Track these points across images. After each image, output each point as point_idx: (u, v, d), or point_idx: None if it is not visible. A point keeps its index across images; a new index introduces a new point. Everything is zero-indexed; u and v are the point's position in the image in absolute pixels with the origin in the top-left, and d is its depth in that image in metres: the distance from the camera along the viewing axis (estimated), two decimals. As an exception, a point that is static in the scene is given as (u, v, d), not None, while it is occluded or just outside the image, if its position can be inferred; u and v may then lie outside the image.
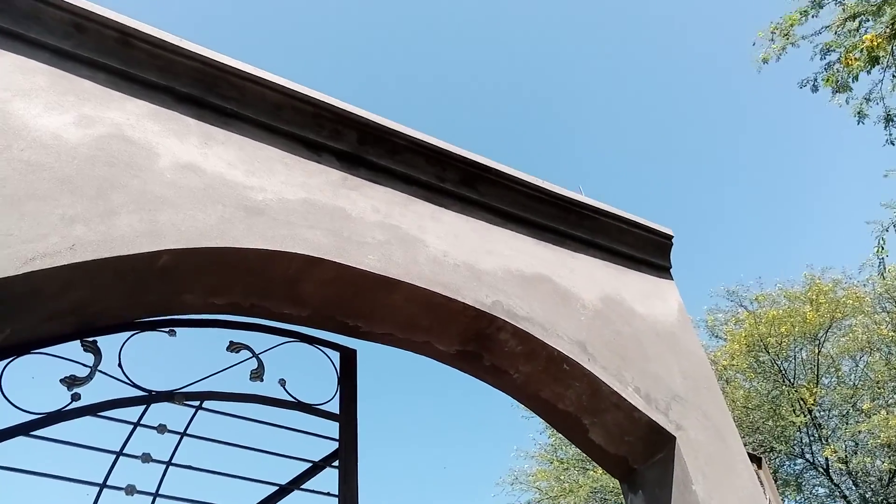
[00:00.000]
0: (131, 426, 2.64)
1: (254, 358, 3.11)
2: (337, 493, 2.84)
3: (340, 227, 3.20)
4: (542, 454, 15.36)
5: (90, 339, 2.72)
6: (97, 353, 2.70)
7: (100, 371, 2.68)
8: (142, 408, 2.70)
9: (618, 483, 3.90)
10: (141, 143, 2.91)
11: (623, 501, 4.08)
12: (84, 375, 2.64)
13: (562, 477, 14.38)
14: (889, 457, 11.64)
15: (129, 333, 2.84)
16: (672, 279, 4.50)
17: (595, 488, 13.27)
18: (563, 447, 15.16)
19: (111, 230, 2.56)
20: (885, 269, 6.99)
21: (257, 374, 3.05)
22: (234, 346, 3.13)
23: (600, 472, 13.19)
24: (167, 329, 2.93)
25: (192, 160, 2.99)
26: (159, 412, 2.79)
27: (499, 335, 3.48)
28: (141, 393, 2.73)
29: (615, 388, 3.46)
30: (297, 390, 3.22)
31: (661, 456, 3.44)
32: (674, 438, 3.39)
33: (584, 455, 13.56)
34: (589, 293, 3.92)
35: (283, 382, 3.08)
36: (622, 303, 4.01)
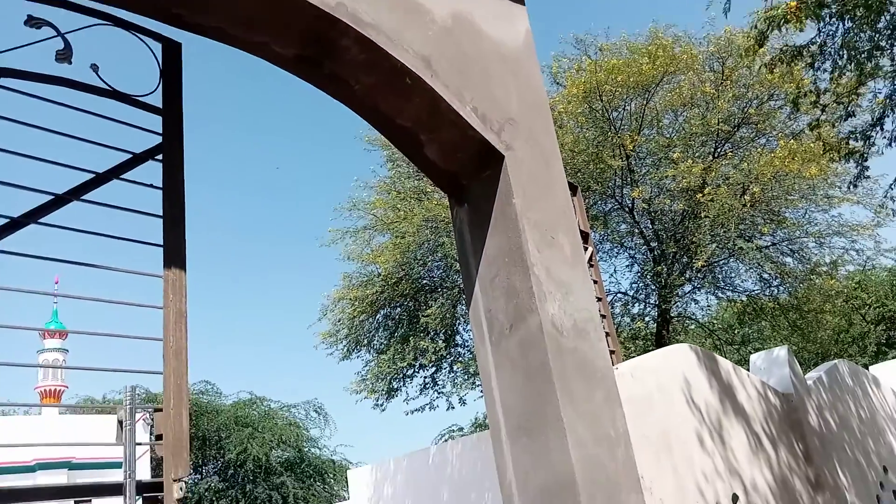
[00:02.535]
0: None
1: (59, 38, 2.75)
2: (161, 186, 2.75)
3: None
4: (382, 185, 15.88)
5: None
6: None
7: None
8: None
9: (449, 213, 4.12)
10: None
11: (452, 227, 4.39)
12: None
13: (398, 206, 15.09)
14: (685, 200, 13.27)
15: None
16: (524, 5, 4.40)
17: (428, 217, 14.12)
18: (402, 180, 15.73)
19: None
20: (729, 6, 7.12)
21: (64, 56, 2.72)
22: (33, 22, 2.73)
23: (434, 202, 13.97)
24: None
25: None
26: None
27: (341, 41, 3.31)
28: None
29: (454, 106, 3.50)
30: (117, 82, 2.94)
31: (488, 173, 3.63)
32: (503, 157, 3.56)
33: (420, 187, 14.12)
34: (440, 8, 3.75)
35: (95, 68, 2.78)
36: (472, 22, 3.91)
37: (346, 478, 24.34)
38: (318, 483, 30.04)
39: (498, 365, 3.76)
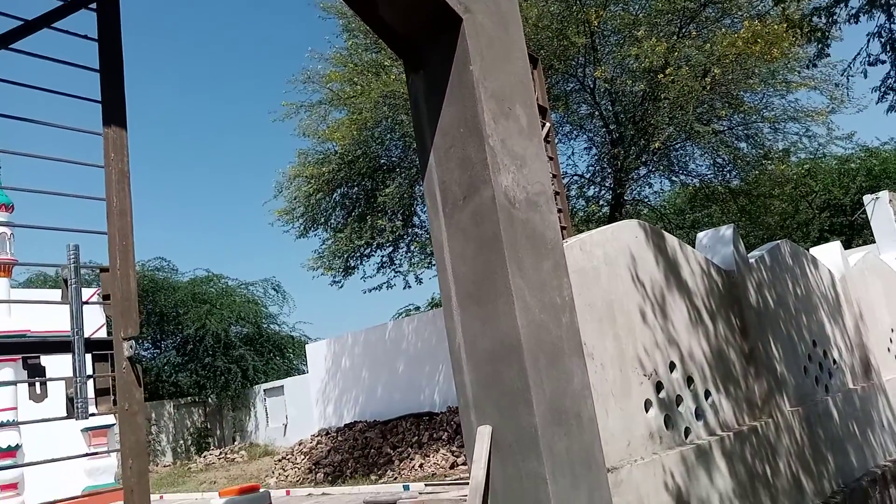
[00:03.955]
0: None
1: None
2: (97, 38, 2.58)
3: None
4: (338, 57, 15.25)
5: None
6: None
7: None
8: None
9: (406, 90, 3.98)
10: None
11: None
12: None
13: (355, 80, 14.59)
14: (646, 81, 13.15)
15: None
16: None
17: (386, 93, 13.74)
18: (359, 52, 15.13)
19: None
20: None
21: None
22: None
23: (392, 77, 13.55)
24: None
25: None
26: None
27: None
28: None
29: (410, -37, 3.31)
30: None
31: (446, 37, 3.50)
32: (460, 20, 3.42)
33: (378, 61, 13.60)
34: None
35: None
36: None
37: (305, 352, 25.07)
38: (278, 357, 30.84)
39: (451, 236, 3.80)
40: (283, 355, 31.23)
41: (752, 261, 6.59)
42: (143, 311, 27.24)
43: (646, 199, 17.93)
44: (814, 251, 9.11)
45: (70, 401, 2.37)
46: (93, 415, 2.39)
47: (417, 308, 27.84)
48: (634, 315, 4.44)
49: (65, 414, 2.38)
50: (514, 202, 3.65)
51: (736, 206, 16.76)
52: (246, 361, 28.20)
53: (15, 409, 17.84)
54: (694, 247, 6.22)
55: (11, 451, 18.73)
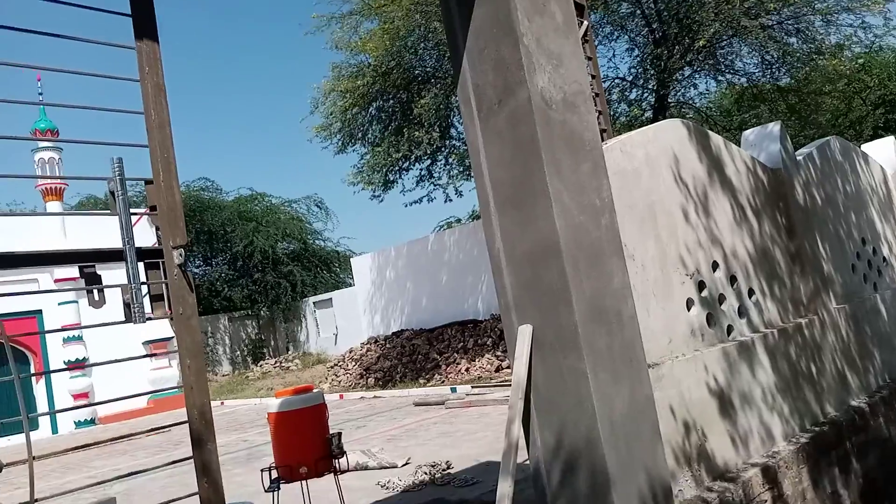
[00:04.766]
0: None
1: None
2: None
3: None
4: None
5: None
6: None
7: None
8: None
9: None
10: None
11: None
12: None
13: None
14: (691, -27, 12.49)
15: None
16: None
17: (418, 0, 13.35)
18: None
19: None
20: None
21: None
22: None
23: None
24: None
25: None
26: None
27: None
28: None
29: None
30: None
31: (476, -70, 3.36)
32: (491, -89, 3.26)
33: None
34: None
35: None
36: None
37: (351, 265, 25.60)
38: (325, 271, 31.59)
39: (487, 141, 3.76)
40: (329, 269, 31.97)
41: (800, 158, 6.39)
42: (192, 230, 28.01)
43: (690, 101, 17.32)
44: (865, 147, 8.77)
45: (127, 306, 2.50)
46: (149, 319, 2.52)
47: (458, 220, 27.97)
48: (676, 215, 4.39)
49: (122, 319, 2.51)
50: (551, 103, 3.58)
51: (785, 105, 16.09)
52: (294, 276, 28.99)
53: (80, 325, 18.86)
54: (740, 146, 6.05)
55: (80, 363, 19.93)
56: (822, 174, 6.67)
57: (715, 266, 4.64)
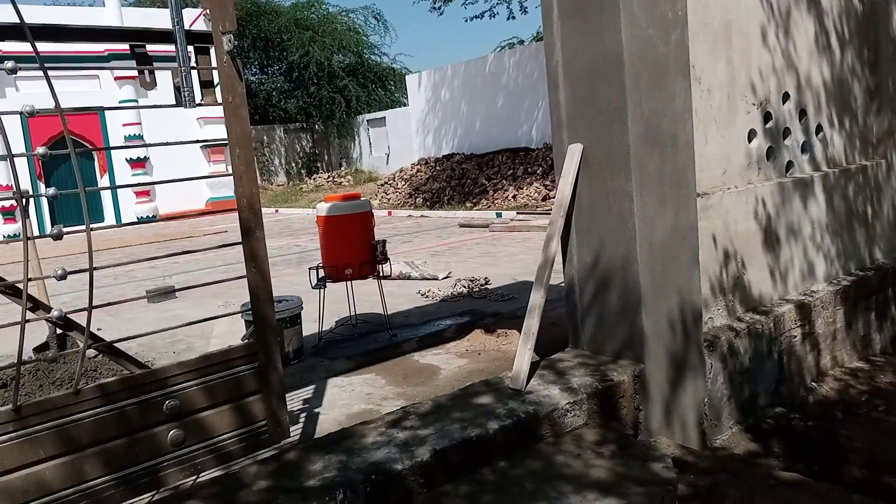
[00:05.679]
0: None
1: None
2: None
3: None
4: None
5: None
6: None
7: None
8: None
9: None
10: None
11: None
12: None
13: None
14: None
15: None
16: None
17: None
18: None
19: None
20: None
21: None
22: None
23: None
24: None
25: None
26: None
27: None
28: None
29: None
30: None
31: None
32: None
33: None
34: None
35: None
36: None
37: (406, 84, 25.08)
38: (380, 89, 31.11)
39: (556, -61, 3.45)
40: (384, 87, 31.45)
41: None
42: (248, 35, 27.47)
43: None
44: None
45: (177, 90, 2.50)
46: (199, 104, 2.53)
47: (521, 42, 26.70)
48: (754, 37, 4.07)
49: (173, 102, 2.52)
50: None
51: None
52: (349, 91, 28.68)
53: (139, 124, 19.26)
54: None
55: (141, 161, 20.64)
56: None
57: (786, 98, 4.36)
